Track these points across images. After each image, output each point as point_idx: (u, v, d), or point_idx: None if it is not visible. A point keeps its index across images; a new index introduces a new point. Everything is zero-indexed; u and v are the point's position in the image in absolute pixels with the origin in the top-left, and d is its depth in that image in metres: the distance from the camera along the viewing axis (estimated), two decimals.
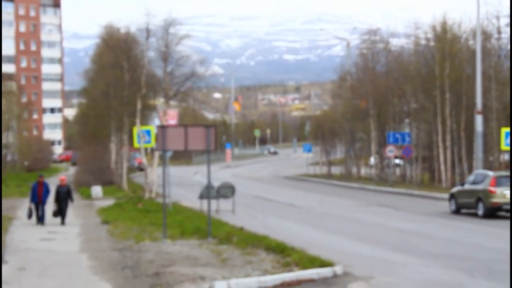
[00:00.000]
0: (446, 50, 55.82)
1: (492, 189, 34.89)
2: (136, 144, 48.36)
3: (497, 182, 35.20)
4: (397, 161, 70.82)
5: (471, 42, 56.88)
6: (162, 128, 24.93)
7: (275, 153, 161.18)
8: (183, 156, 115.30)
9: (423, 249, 22.88)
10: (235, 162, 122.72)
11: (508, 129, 42.23)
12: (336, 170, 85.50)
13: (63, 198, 32.13)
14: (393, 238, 26.33)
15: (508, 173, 36.56)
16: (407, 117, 67.22)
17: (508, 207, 34.32)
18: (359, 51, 78.40)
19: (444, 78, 55.73)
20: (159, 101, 57.43)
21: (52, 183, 38.57)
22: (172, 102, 57.90)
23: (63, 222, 31.88)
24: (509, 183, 34.51)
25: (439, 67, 56.16)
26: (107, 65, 58.34)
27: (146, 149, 51.02)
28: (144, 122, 54.63)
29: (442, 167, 56.40)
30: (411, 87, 61.92)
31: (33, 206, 32.04)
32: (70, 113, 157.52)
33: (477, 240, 25.83)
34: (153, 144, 46.93)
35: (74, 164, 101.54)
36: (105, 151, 67.10)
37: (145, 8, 50.70)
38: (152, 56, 52.11)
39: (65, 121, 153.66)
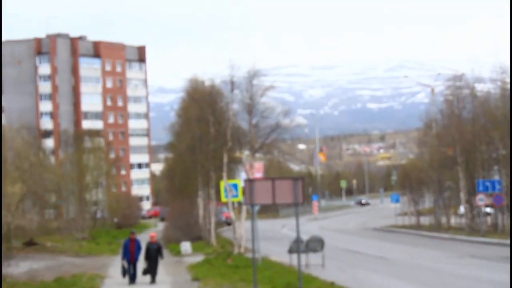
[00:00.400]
0: None
1: None
2: (223, 199, 48.50)
3: None
4: (488, 209, 69.35)
5: None
6: (250, 181, 24.93)
7: (366, 204, 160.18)
8: (269, 209, 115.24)
9: None
10: (322, 214, 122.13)
11: None
12: (425, 220, 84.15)
13: (154, 255, 31.93)
14: None
15: None
16: (496, 164, 65.90)
17: None
18: (443, 97, 77.56)
19: None
20: (244, 154, 57.61)
21: (142, 239, 38.89)
22: (257, 155, 57.96)
23: (153, 281, 31.70)
24: None
25: None
26: (192, 119, 58.81)
27: (233, 203, 51.08)
28: (230, 175, 54.75)
29: None
30: (499, 133, 60.81)
31: (125, 263, 31.79)
32: (157, 168, 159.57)
33: None
34: (240, 198, 47.00)
35: (162, 219, 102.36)
36: (192, 206, 67.46)
37: (229, 60, 51.07)
38: (237, 108, 52.30)
39: (152, 176, 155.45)
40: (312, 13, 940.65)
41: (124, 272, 31.82)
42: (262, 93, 51.73)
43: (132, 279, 31.69)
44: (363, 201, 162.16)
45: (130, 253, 31.75)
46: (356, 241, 61.76)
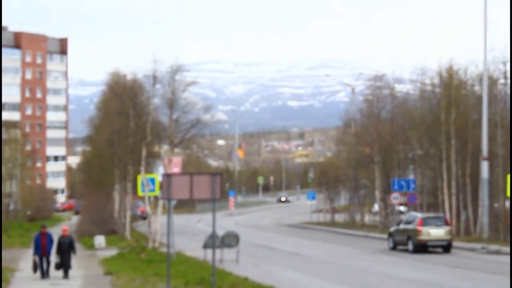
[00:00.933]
0: (452, 96, 55.80)
1: (419, 228, 43.23)
2: (140, 193, 48.18)
3: (424, 222, 43.56)
4: (402, 208, 70.55)
5: (477, 87, 56.98)
6: (168, 176, 24.77)
7: (287, 201, 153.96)
8: (185, 204, 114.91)
9: None
10: (238, 210, 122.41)
11: None
12: (340, 217, 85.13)
13: (66, 249, 31.23)
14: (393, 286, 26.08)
15: (433, 214, 46.61)
16: (412, 163, 67.06)
17: (433, 243, 43.04)
18: (364, 97, 78.59)
19: (449, 124, 55.65)
20: (163, 149, 57.36)
21: (55, 233, 38.29)
22: (176, 150, 57.81)
23: (66, 275, 31.04)
24: (435, 223, 43.43)
25: (445, 113, 56.10)
26: (112, 112, 58.37)
27: (149, 197, 50.83)
28: (148, 170, 54.48)
29: (448, 214, 56.10)
30: (416, 133, 61.86)
31: (37, 259, 31.13)
32: (74, 161, 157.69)
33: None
34: (157, 192, 46.74)
35: (77, 213, 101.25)
36: (108, 200, 66.85)
37: (151, 54, 50.82)
38: (158, 103, 52.12)
39: (69, 169, 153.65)
40: (238, 8, 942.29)
41: (35, 267, 31.16)
42: (184, 89, 51.73)
43: (45, 274, 31.09)
44: (283, 198, 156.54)
45: (41, 247, 31.08)
46: (271, 237, 62.07)
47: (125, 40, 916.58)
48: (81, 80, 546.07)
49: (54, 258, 31.57)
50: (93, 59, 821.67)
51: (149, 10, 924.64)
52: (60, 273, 31.33)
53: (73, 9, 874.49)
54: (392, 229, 47.40)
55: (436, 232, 43.29)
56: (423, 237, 42.92)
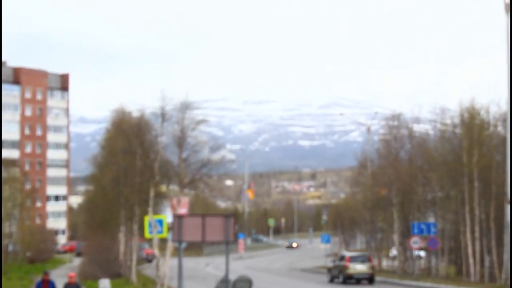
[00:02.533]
0: (474, 136, 55.67)
1: (347, 264, 57.25)
2: (147, 235, 48.02)
3: (351, 259, 57.68)
4: (422, 253, 70.12)
5: (500, 128, 56.84)
6: (179, 218, 24.71)
7: (290, 247, 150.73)
8: (193, 247, 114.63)
9: None
10: (248, 253, 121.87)
11: None
12: None
13: None
14: None
15: (359, 253, 61.79)
16: (432, 206, 66.73)
17: (357, 276, 56.91)
18: (379, 137, 78.49)
19: (472, 165, 55.45)
20: (171, 189, 57.25)
21: (58, 275, 38.07)
22: (184, 190, 57.73)
23: None
24: (360, 260, 57.58)
25: (467, 154, 55.90)
26: (118, 150, 58.34)
27: (157, 239, 50.61)
28: (154, 211, 54.35)
29: (471, 260, 55.72)
30: (437, 175, 61.62)
31: None
32: (75, 201, 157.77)
33: None
34: (165, 234, 46.60)
35: (78, 254, 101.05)
36: (113, 242, 66.67)
37: (160, 91, 50.84)
38: (166, 141, 52.10)
39: (70, 209, 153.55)
40: (247, 46, 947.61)
41: None
42: (194, 127, 51.69)
43: None
44: (294, 244, 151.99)
45: None
46: (285, 282, 61.71)
47: (128, 77, 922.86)
48: (82, 117, 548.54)
49: None
50: (94, 96, 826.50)
51: (153, 46, 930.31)
52: None
53: (75, 44, 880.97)
54: (330, 265, 62.15)
55: (360, 267, 57.13)
56: (350, 271, 56.83)
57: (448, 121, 61.38)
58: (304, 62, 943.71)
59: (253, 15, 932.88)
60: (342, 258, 59.18)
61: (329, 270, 60.79)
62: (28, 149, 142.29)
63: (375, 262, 78.97)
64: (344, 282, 56.78)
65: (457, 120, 59.28)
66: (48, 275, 31.05)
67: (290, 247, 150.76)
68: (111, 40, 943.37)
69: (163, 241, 53.80)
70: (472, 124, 56.85)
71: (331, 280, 59.23)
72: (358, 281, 57.03)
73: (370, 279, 57.08)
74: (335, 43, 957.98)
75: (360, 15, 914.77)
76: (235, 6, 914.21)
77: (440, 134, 63.66)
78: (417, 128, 72.05)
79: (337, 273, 58.38)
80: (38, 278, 31.29)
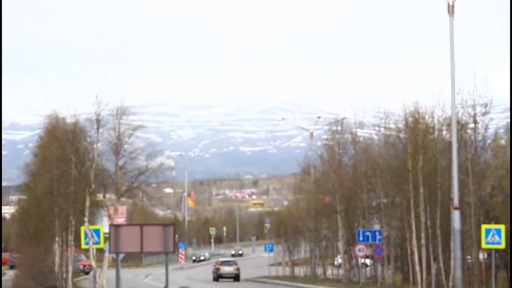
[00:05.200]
0: (419, 141, 55.95)
1: (218, 266, 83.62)
2: (84, 245, 47.54)
3: (222, 263, 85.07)
4: (367, 261, 70.49)
5: (445, 132, 57.27)
6: (115, 227, 24.40)
7: (239, 255, 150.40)
8: (131, 257, 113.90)
9: None
10: (189, 264, 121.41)
11: (489, 226, 42.37)
12: (300, 271, 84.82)
13: None
14: None
15: (228, 258, 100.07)
16: (377, 213, 67.07)
17: (226, 275, 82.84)
18: (322, 142, 78.71)
19: (417, 171, 55.71)
20: (107, 198, 56.76)
21: None
22: (122, 199, 57.30)
23: None
24: (228, 264, 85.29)
25: (412, 160, 56.18)
26: (51, 158, 57.63)
27: (94, 250, 50.11)
28: (91, 221, 53.81)
29: (417, 267, 56.07)
30: (381, 180, 61.90)
31: None
32: (7, 211, 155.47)
33: None
34: (102, 245, 46.16)
35: (12, 267, 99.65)
36: (48, 253, 65.81)
37: (94, 96, 50.33)
38: (102, 148, 51.62)
39: (2, 219, 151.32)
40: (184, 50, 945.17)
41: None
42: (130, 133, 51.31)
43: None
44: (239, 251, 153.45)
45: None
46: None
47: (61, 81, 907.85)
48: (13, 123, 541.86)
49: None
50: (26, 101, 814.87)
51: (86, 51, 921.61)
52: None
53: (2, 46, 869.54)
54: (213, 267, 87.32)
55: (228, 269, 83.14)
56: (221, 272, 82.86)
57: (393, 126, 61.73)
58: (242, 65, 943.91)
59: (187, 18, 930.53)
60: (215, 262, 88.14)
61: (213, 271, 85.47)
62: None
63: (320, 270, 79.52)
64: (216, 279, 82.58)
65: (401, 125, 59.56)
66: None
67: (233, 255, 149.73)
68: (40, 43, 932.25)
69: (100, 251, 53.34)
70: (417, 128, 57.16)
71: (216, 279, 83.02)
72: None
73: (236, 277, 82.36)
74: (274, 45, 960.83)
75: (297, 14, 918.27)
76: (170, 9, 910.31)
77: (384, 139, 63.97)
78: (361, 133, 72.34)
79: (213, 273, 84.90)
80: None
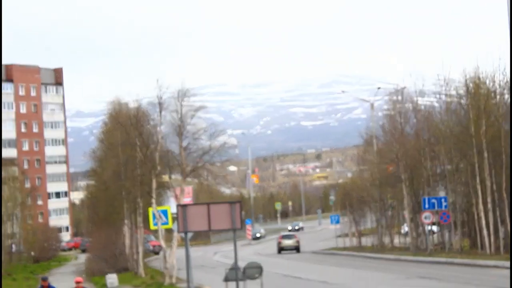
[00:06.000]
0: (481, 106, 55.36)
1: (280, 240, 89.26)
2: (152, 226, 48.04)
3: (283, 237, 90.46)
4: (434, 228, 70.04)
5: (507, 96, 56.54)
6: (183, 207, 24.57)
7: (296, 229, 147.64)
8: (199, 236, 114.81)
9: None
10: (256, 239, 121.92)
11: None
12: (367, 241, 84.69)
13: None
14: None
15: (288, 233, 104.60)
16: (441, 180, 66.53)
17: (287, 248, 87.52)
18: (383, 112, 78.16)
19: (480, 136, 55.21)
20: (173, 179, 57.17)
21: (62, 274, 37.97)
22: (187, 179, 57.64)
23: None
24: (288, 237, 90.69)
25: (474, 125, 55.63)
26: (116, 143, 58.25)
27: (162, 230, 50.59)
28: (158, 202, 54.33)
29: (485, 232, 55.61)
30: (445, 148, 61.47)
31: None
32: (77, 196, 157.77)
33: None
34: (170, 225, 46.59)
35: (83, 251, 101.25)
36: (118, 236, 66.73)
37: (156, 80, 50.60)
38: (165, 131, 51.92)
39: (72, 205, 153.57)
40: (241, 29, 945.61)
41: None
42: (192, 114, 51.49)
43: None
44: (290, 227, 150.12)
45: None
46: (296, 265, 61.69)
47: (123, 68, 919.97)
48: (78, 111, 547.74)
49: None
50: (89, 89, 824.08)
51: (147, 38, 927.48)
52: None
53: (66, 38, 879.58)
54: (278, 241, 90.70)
55: (288, 242, 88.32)
56: (282, 245, 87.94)
57: (453, 92, 61.11)
58: (300, 41, 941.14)
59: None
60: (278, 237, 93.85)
61: (279, 243, 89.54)
62: (26, 147, 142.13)
63: (387, 240, 79.28)
64: (279, 252, 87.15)
65: (462, 91, 58.97)
66: (47, 281, 30.17)
67: (294, 230, 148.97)
68: (102, 33, 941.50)
69: (169, 232, 53.81)
70: (478, 93, 56.59)
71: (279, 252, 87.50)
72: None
73: (297, 249, 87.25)
74: (331, 19, 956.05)
75: None
76: None
77: (445, 106, 63.40)
78: (422, 101, 71.67)
79: (277, 246, 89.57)
80: (38, 286, 30.49)
